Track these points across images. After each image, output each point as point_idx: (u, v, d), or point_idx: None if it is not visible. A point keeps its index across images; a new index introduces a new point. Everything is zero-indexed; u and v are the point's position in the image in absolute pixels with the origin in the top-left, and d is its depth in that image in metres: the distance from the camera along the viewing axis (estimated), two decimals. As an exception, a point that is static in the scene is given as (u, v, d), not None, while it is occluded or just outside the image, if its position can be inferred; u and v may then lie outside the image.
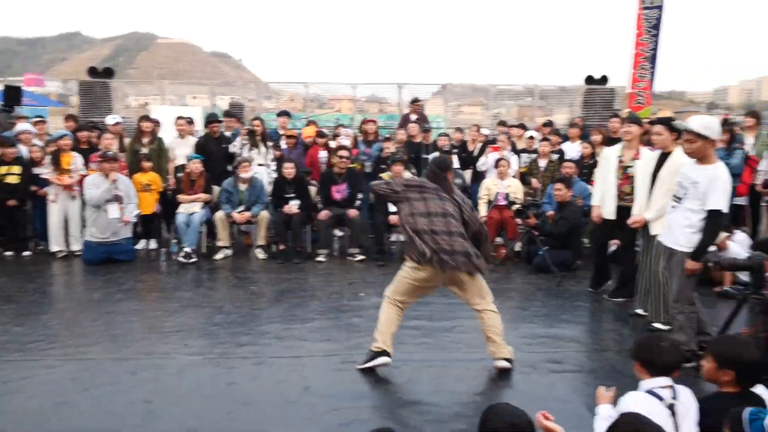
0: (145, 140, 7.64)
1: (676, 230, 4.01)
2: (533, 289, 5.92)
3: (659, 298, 4.69)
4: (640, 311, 4.99)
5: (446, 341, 4.46)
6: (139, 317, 5.00)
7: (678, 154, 4.42)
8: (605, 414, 2.40)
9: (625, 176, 5.29)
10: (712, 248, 4.06)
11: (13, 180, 7.02)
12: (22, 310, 5.09)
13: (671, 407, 2.33)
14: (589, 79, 12.98)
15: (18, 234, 7.26)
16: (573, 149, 8.00)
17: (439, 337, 4.53)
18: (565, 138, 8.98)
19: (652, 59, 11.69)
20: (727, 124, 7.64)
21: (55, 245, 7.06)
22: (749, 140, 7.72)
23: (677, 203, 4.02)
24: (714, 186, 3.78)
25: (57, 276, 6.45)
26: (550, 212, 6.99)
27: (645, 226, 4.85)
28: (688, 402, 2.38)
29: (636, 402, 2.32)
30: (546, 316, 5.11)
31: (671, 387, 2.40)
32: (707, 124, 3.85)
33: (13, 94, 10.35)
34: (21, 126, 7.97)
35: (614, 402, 2.46)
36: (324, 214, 6.99)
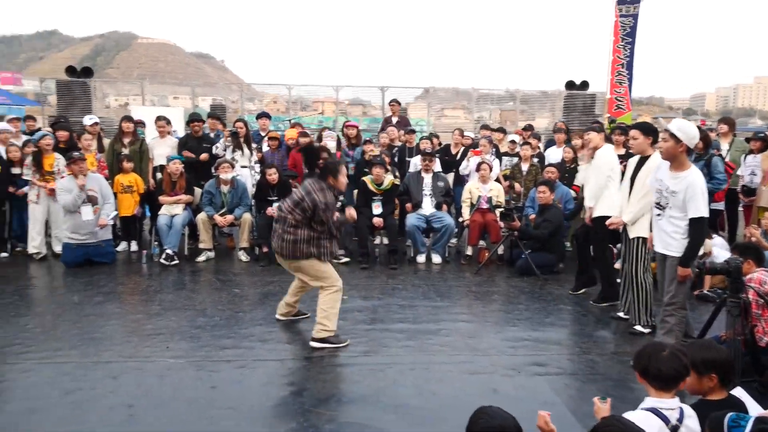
0: (126, 141, 7.54)
1: (665, 236, 4.14)
2: (516, 292, 5.96)
3: (639, 301, 4.77)
4: (621, 314, 5.07)
5: (430, 344, 4.47)
6: (119, 320, 4.93)
7: (655, 158, 4.51)
8: None
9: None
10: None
11: (-11, 180, 6.89)
12: (-2, 313, 4.99)
13: (675, 430, 2.19)
14: (570, 85, 13.13)
15: (-6, 235, 7.11)
16: (557, 154, 8.08)
17: (423, 340, 4.54)
18: (549, 142, 9.07)
19: (629, 66, 11.90)
20: (701, 131, 7.80)
21: (33, 247, 6.94)
22: (724, 146, 7.89)
23: (661, 211, 4.14)
24: (692, 193, 3.91)
25: (35, 278, 6.32)
26: (533, 215, 7.06)
27: (624, 230, 4.93)
28: (694, 428, 2.23)
29: (637, 419, 2.17)
30: (529, 319, 5.15)
31: (679, 409, 2.24)
32: (682, 127, 4.01)
33: (-10, 93, 10.15)
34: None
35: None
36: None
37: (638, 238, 4.74)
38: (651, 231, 4.52)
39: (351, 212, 4.99)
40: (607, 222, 5.07)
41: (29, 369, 3.88)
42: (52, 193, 6.87)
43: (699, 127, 8.06)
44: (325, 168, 4.53)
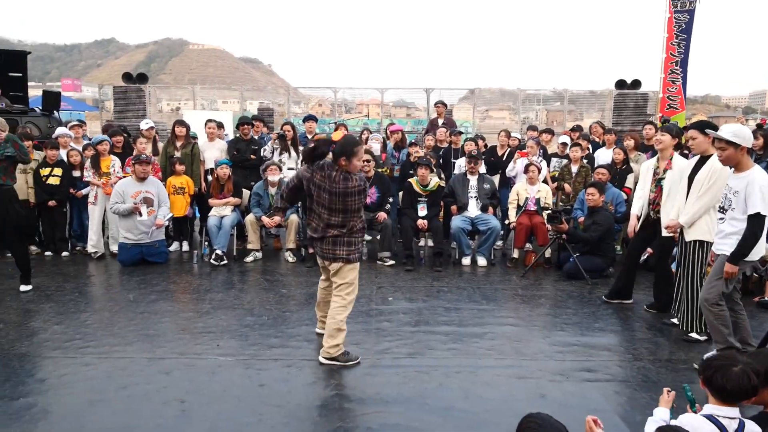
0: (179, 144, 7.80)
1: (724, 237, 4.00)
2: (564, 296, 5.84)
3: (694, 307, 4.59)
4: (675, 320, 4.89)
5: (476, 347, 4.43)
6: (172, 318, 5.09)
7: (716, 158, 4.34)
8: (659, 417, 2.34)
9: (659, 189, 5.20)
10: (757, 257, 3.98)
11: (54, 181, 7.27)
12: (60, 309, 5.24)
13: None
14: (621, 83, 12.79)
15: (57, 235, 7.47)
16: (607, 155, 7.88)
17: (468, 343, 4.50)
18: (596, 143, 8.86)
19: (683, 63, 11.49)
20: (762, 129, 7.46)
21: (91, 246, 7.26)
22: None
23: (723, 214, 4.01)
24: (751, 190, 3.81)
25: (93, 276, 6.61)
26: (581, 218, 6.90)
27: (681, 233, 4.75)
28: None
29: (692, 424, 2.15)
30: (578, 323, 5.03)
31: (738, 419, 2.18)
32: (736, 132, 3.91)
33: (52, 100, 10.68)
34: (60, 130, 8.23)
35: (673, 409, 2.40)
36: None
37: (695, 241, 4.57)
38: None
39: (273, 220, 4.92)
40: (664, 225, 4.90)
41: (89, 363, 4.06)
42: (108, 193, 7.16)
43: (760, 125, 7.73)
44: (339, 147, 3.98)
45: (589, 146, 8.55)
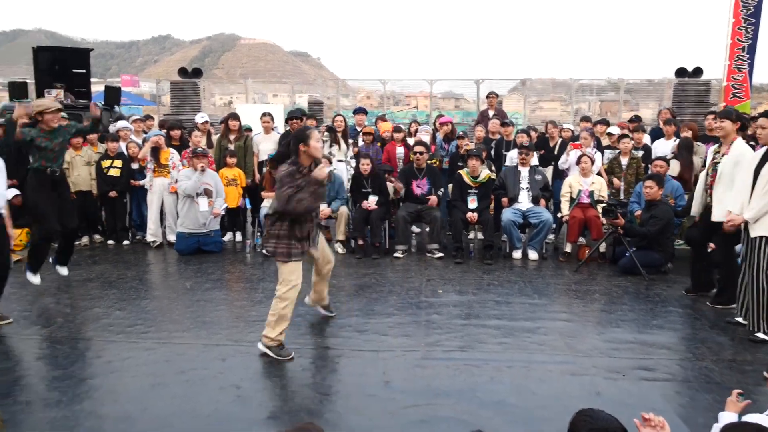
0: (232, 137, 7.98)
1: None
2: (620, 292, 5.67)
3: (760, 305, 4.38)
4: (740, 319, 4.67)
5: (527, 342, 4.36)
6: (226, 306, 5.24)
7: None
8: (726, 422, 2.26)
9: (715, 174, 5.01)
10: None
11: (115, 173, 7.58)
12: (122, 296, 5.47)
13: None
14: (681, 72, 12.26)
15: (118, 224, 7.80)
16: (666, 146, 7.58)
17: (520, 338, 4.44)
18: (656, 134, 8.53)
19: (751, 49, 10.87)
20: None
21: (150, 235, 7.54)
22: None
23: None
24: None
25: (152, 264, 6.86)
26: (638, 211, 6.67)
27: (745, 228, 4.53)
28: None
29: (764, 422, 2.05)
30: (634, 320, 4.88)
31: None
32: None
33: (113, 95, 11.11)
34: (120, 123, 8.56)
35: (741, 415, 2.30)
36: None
37: (761, 237, 4.34)
38: None
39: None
40: (726, 220, 4.68)
41: (150, 348, 4.23)
42: (174, 190, 7.42)
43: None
44: (294, 137, 4.08)
45: (646, 137, 8.23)
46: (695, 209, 5.47)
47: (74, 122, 6.03)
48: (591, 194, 6.95)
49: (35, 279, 5.56)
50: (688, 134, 7.30)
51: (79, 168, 7.49)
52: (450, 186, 7.37)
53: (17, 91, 10.33)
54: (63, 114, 5.67)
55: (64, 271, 5.89)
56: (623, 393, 3.56)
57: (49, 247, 5.66)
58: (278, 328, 4.07)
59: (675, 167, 7.14)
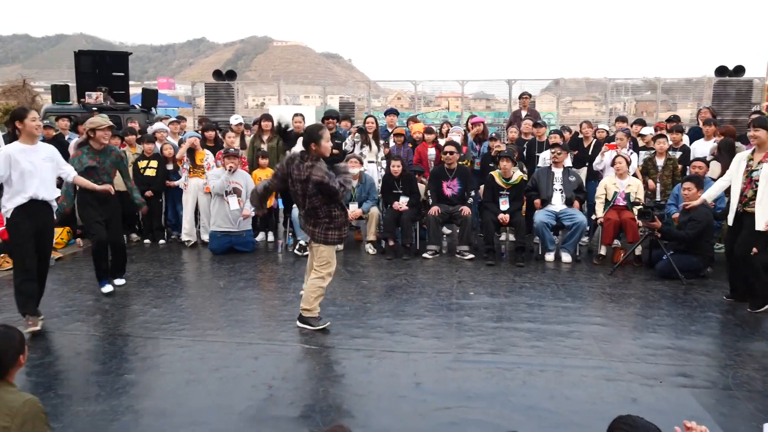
0: (265, 138, 8.08)
1: None
2: (656, 297, 5.53)
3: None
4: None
5: (561, 346, 4.29)
6: (259, 305, 5.31)
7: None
8: None
9: (749, 180, 4.90)
10: None
11: (150, 173, 7.76)
12: (158, 294, 5.59)
13: None
14: (722, 70, 11.89)
15: (154, 224, 7.98)
16: (705, 147, 7.37)
17: (553, 341, 4.37)
18: (693, 133, 8.30)
19: (798, 46, 10.46)
20: None
21: (185, 234, 7.69)
22: None
23: None
24: None
25: (187, 263, 7.00)
26: (676, 214, 6.50)
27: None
28: None
29: None
30: (672, 326, 4.75)
31: None
32: None
33: (150, 97, 11.38)
34: (156, 125, 8.76)
35: None
36: (434, 210, 7.01)
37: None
38: None
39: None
40: (763, 225, 4.53)
41: (185, 345, 4.31)
42: (207, 190, 7.55)
43: None
44: (307, 135, 4.37)
45: (684, 138, 8.02)
46: (730, 217, 5.30)
47: (125, 162, 5.96)
48: (627, 196, 6.80)
49: (105, 288, 5.54)
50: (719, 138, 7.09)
51: (118, 168, 7.69)
52: (482, 187, 7.31)
53: (60, 93, 10.69)
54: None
55: (120, 281, 5.83)
56: (660, 400, 3.47)
57: (107, 252, 5.57)
58: (316, 301, 4.59)
59: (715, 169, 6.93)
